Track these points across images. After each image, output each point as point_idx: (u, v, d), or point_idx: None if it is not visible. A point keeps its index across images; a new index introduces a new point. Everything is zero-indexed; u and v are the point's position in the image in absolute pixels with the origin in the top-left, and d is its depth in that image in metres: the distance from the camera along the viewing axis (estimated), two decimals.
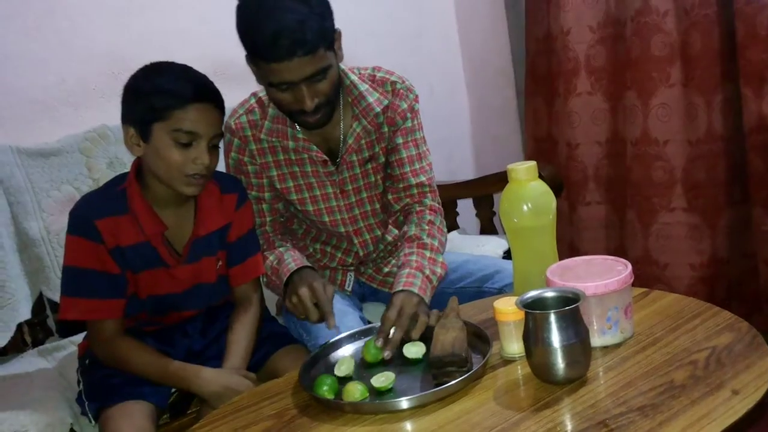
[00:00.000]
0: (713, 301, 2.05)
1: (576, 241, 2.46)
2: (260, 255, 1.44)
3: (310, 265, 1.40)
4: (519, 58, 2.69)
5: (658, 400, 0.89)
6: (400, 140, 1.48)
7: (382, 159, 1.51)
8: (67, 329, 1.73)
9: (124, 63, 1.84)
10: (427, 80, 2.43)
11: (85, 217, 1.27)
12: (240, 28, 1.28)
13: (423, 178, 1.48)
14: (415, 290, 1.27)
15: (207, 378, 1.26)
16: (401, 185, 1.48)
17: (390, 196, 1.51)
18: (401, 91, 1.47)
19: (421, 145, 1.51)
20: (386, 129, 1.48)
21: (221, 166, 1.41)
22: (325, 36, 1.26)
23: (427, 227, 1.43)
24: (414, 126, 1.49)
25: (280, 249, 1.45)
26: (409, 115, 1.48)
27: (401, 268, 1.33)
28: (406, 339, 1.19)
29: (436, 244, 1.41)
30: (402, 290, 1.27)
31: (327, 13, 1.27)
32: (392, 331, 1.19)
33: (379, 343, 1.16)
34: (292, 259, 1.39)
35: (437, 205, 1.49)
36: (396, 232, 1.60)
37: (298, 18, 1.20)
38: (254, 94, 1.48)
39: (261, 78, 1.31)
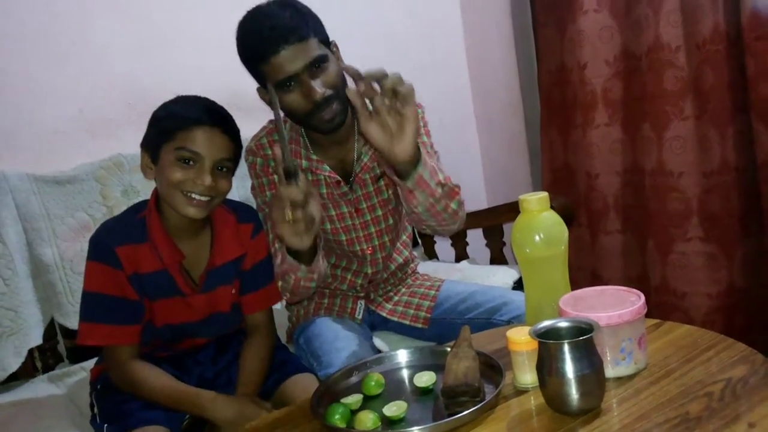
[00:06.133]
0: (732, 330, 2.06)
1: (598, 269, 2.46)
2: (274, 285, 1.43)
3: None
4: (528, 91, 2.72)
5: None
6: None
7: None
8: (77, 355, 1.73)
9: (141, 94, 1.89)
10: (438, 112, 2.46)
11: (105, 243, 1.28)
12: (241, 49, 1.36)
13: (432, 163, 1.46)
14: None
15: (221, 404, 1.26)
16: None
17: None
18: None
19: (428, 147, 1.51)
20: None
21: (237, 193, 1.42)
22: (316, 30, 1.33)
23: None
24: (420, 131, 1.49)
25: None
26: None
27: None
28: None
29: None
30: None
31: (316, 17, 1.36)
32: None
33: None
34: None
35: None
36: (407, 253, 1.60)
37: (288, 15, 1.30)
38: (271, 121, 1.51)
39: (270, 92, 1.33)
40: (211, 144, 1.26)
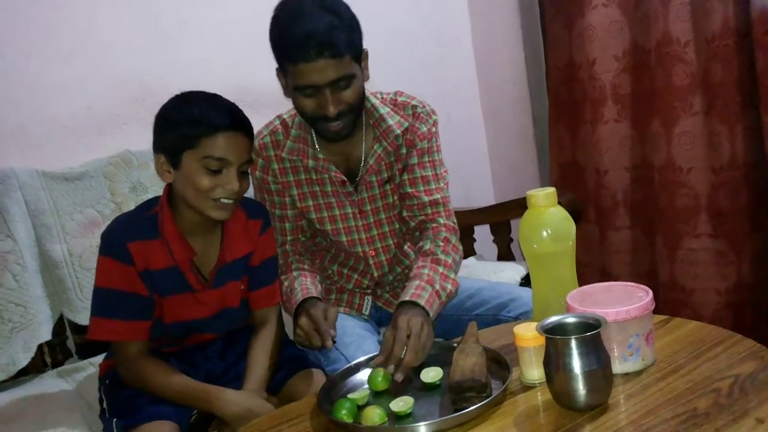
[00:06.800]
0: (740, 326, 2.05)
1: (606, 265, 2.45)
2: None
3: (316, 295, 1.40)
4: (536, 86, 2.71)
5: (681, 428, 0.88)
6: (415, 160, 1.49)
7: (400, 179, 1.53)
8: (86, 350, 1.74)
9: (148, 90, 1.90)
10: (445, 108, 2.45)
11: (118, 239, 1.29)
12: (273, 34, 1.33)
13: (437, 197, 1.49)
14: (422, 302, 1.27)
15: (229, 399, 1.27)
16: (415, 203, 1.49)
17: (405, 213, 1.52)
18: (422, 114, 1.49)
19: (438, 166, 1.52)
20: (405, 150, 1.49)
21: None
22: (352, 46, 1.31)
23: (442, 243, 1.43)
24: (432, 147, 1.51)
25: (294, 273, 1.46)
26: (428, 137, 1.50)
27: (411, 280, 1.34)
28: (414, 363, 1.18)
29: (449, 260, 1.41)
30: (407, 301, 1.27)
31: (356, 28, 1.33)
32: (400, 352, 1.18)
33: (389, 369, 1.15)
34: (301, 289, 1.39)
35: (452, 224, 1.49)
36: (413, 255, 1.60)
37: (330, 24, 1.27)
38: (278, 116, 1.51)
39: (288, 85, 1.35)
40: (237, 149, 1.26)
